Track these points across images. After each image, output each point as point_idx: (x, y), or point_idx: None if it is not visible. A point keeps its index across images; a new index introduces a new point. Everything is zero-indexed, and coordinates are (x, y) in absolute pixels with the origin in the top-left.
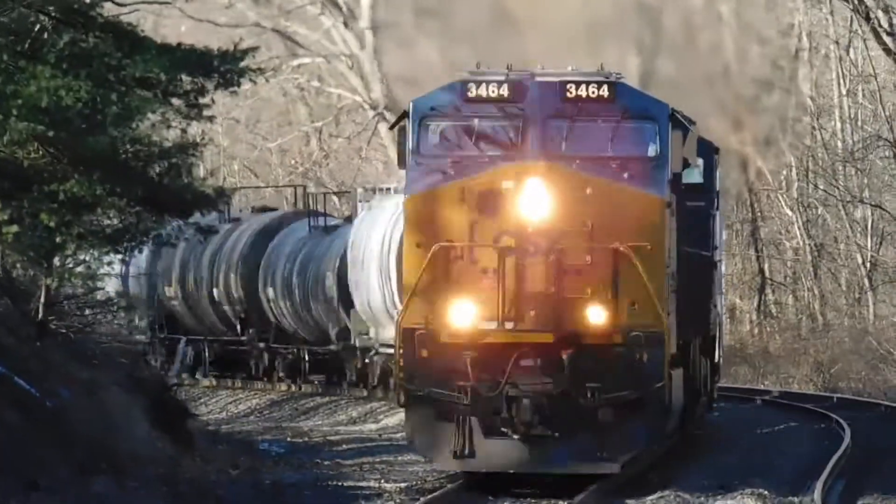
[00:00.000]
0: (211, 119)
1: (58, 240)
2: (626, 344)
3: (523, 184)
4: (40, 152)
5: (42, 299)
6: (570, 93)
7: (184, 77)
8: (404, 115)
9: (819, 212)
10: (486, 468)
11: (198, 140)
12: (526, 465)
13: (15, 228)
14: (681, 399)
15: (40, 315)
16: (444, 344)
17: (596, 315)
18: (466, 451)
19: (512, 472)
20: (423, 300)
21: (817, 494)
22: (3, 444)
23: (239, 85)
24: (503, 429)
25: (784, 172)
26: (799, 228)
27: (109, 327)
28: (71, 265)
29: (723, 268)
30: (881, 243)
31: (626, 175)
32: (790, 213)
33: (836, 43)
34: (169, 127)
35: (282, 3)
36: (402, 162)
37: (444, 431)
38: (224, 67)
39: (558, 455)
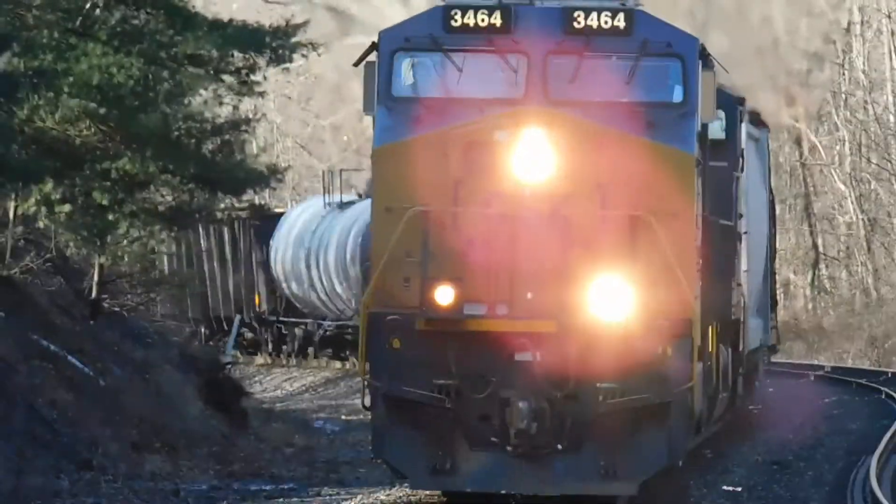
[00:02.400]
0: (262, 95)
1: (110, 218)
2: (648, 335)
3: (520, 134)
4: (92, 130)
5: (95, 278)
6: (578, 23)
7: (235, 53)
8: (373, 47)
9: (872, 186)
10: (472, 488)
11: (250, 116)
12: (521, 484)
13: (68, 207)
14: (700, 402)
15: (94, 294)
16: (422, 332)
17: (609, 298)
18: (447, 467)
19: (503, 493)
20: (396, 278)
21: (872, 468)
22: (56, 423)
23: (291, 61)
24: (493, 439)
25: (837, 147)
26: (852, 203)
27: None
28: (125, 243)
29: (763, 242)
30: None
31: (646, 124)
32: (843, 187)
33: (889, 17)
34: (221, 103)
35: None
36: (369, 106)
37: (419, 442)
38: (276, 43)
39: (561, 472)
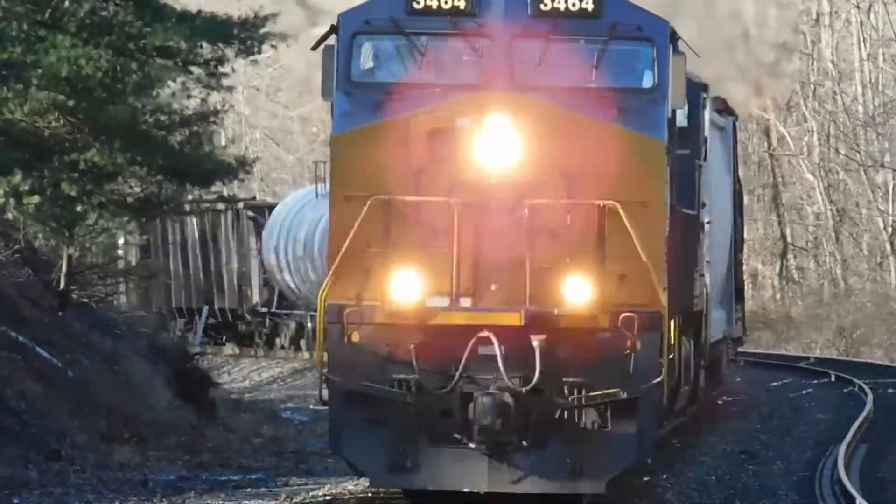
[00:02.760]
0: (231, 88)
1: (79, 209)
2: (616, 328)
3: (484, 121)
4: (61, 121)
5: (64, 269)
6: (545, 5)
7: (204, 45)
8: (332, 30)
9: (840, 176)
10: (433, 486)
11: (218, 108)
12: (484, 482)
13: (36, 199)
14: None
15: (62, 285)
16: (382, 325)
17: (576, 290)
18: (408, 464)
19: (466, 490)
20: (355, 269)
21: (840, 456)
22: (24, 414)
23: (259, 52)
24: (456, 435)
25: (805, 138)
26: (820, 193)
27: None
28: (93, 234)
29: (727, 231)
30: None
31: (615, 111)
32: (811, 178)
33: (857, 7)
34: (189, 96)
35: None
36: (327, 91)
37: (379, 438)
38: (244, 35)
39: (526, 470)
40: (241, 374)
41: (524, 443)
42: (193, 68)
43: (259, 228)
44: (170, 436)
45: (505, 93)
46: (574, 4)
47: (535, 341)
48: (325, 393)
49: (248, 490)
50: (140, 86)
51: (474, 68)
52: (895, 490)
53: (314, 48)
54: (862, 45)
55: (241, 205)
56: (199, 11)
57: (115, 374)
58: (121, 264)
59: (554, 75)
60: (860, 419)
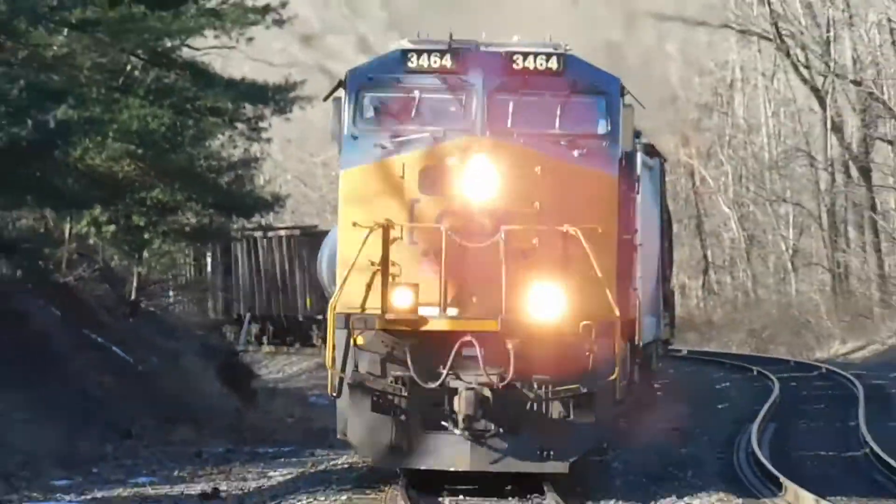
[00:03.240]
0: (268, 139)
1: (146, 236)
2: (577, 334)
3: (468, 160)
4: (132, 166)
5: (134, 284)
6: (517, 64)
7: (246, 106)
8: (340, 84)
9: (750, 209)
10: (424, 465)
11: (257, 156)
12: (467, 462)
13: (112, 228)
14: None
15: (133, 297)
16: (382, 331)
17: (544, 302)
18: (404, 447)
19: (452, 469)
20: (360, 283)
21: (753, 433)
22: (103, 402)
23: (290, 111)
24: (443, 423)
25: (722, 178)
26: (735, 222)
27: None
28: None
29: (655, 252)
30: (801, 234)
31: (576, 153)
32: (727, 210)
33: (763, 75)
34: (234, 146)
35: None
36: (336, 135)
37: (380, 425)
38: (278, 97)
39: (502, 452)
40: (276, 367)
41: (500, 430)
42: (238, 124)
43: (314, 250)
44: (219, 417)
45: (485, 137)
46: (541, 64)
47: (510, 344)
48: (334, 387)
49: (282, 460)
50: (195, 138)
51: (460, 117)
52: (797, 458)
53: (325, 99)
54: (767, 104)
55: (298, 231)
56: (243, 79)
57: (176, 369)
58: (180, 280)
59: (525, 123)
60: (769, 403)
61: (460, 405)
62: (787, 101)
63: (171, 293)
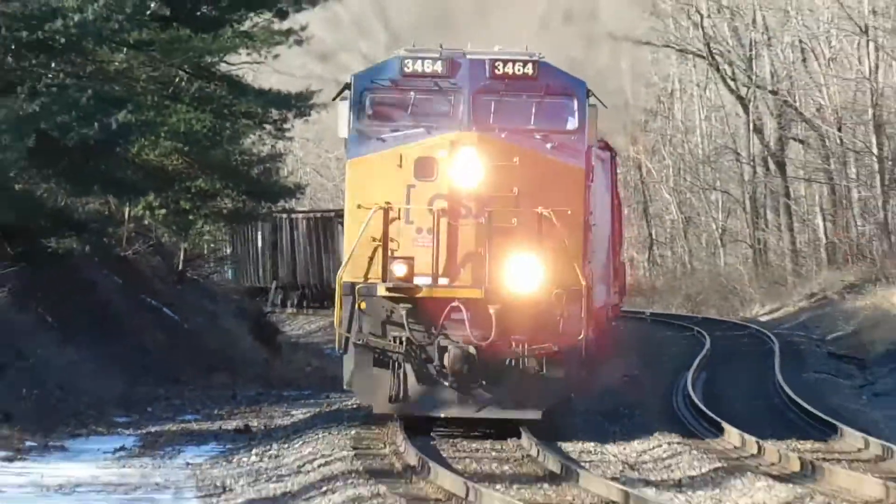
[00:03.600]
0: (290, 138)
1: (191, 218)
2: (549, 300)
3: (457, 152)
4: (179, 161)
5: (181, 257)
6: (498, 70)
7: (273, 111)
8: (346, 86)
9: (687, 196)
10: (419, 412)
11: (282, 152)
12: (455, 409)
13: (164, 211)
14: None
15: (180, 267)
16: (382, 297)
17: (522, 273)
18: (401, 396)
19: (442, 415)
20: (364, 256)
21: (689, 379)
22: (155, 354)
23: (309, 115)
24: (435, 376)
25: (664, 171)
26: (674, 207)
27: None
28: (201, 234)
29: (606, 231)
30: (728, 216)
31: (549, 146)
32: (668, 196)
33: (697, 86)
34: (263, 144)
35: (337, 62)
36: (343, 130)
37: (380, 377)
38: (299, 104)
39: (485, 401)
40: (297, 325)
41: (483, 382)
42: (266, 126)
43: (327, 229)
44: (250, 366)
45: (471, 132)
46: (519, 69)
47: (492, 309)
48: (341, 345)
49: (302, 402)
50: (231, 137)
51: (448, 115)
52: (725, 400)
53: (334, 99)
54: (700, 110)
55: (315, 214)
56: (270, 88)
57: (215, 327)
58: (220, 253)
59: (505, 120)
60: (702, 354)
61: (449, 361)
62: (717, 108)
63: (211, 264)
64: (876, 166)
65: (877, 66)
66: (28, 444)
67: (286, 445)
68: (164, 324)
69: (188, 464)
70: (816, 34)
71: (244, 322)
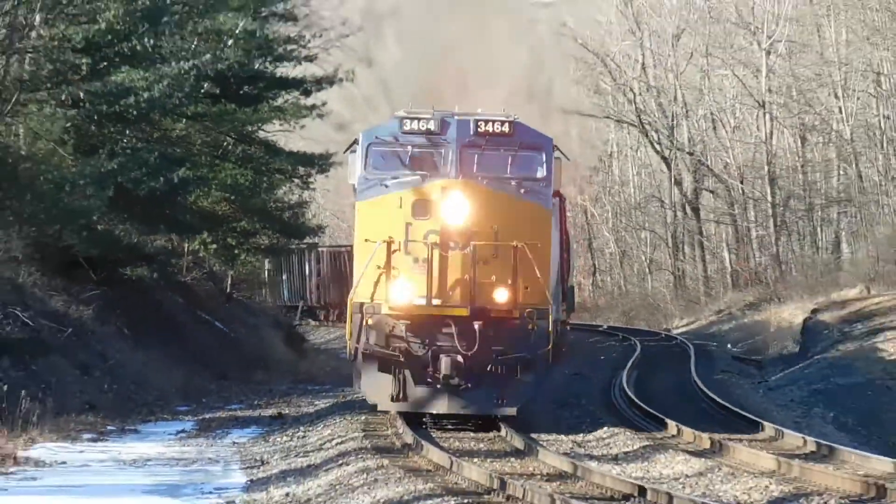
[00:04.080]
0: (314, 189)
1: (236, 251)
2: (523, 318)
3: (447, 195)
4: (227, 207)
5: (229, 282)
6: (481, 128)
7: (300, 168)
8: (355, 142)
9: (622, 234)
10: (415, 409)
11: (307, 200)
12: (446, 406)
13: (215, 246)
14: None
15: (228, 290)
16: (386, 315)
17: (500, 295)
18: (401, 396)
19: (435, 412)
20: (370, 281)
21: (624, 376)
22: (209, 357)
23: (328, 171)
24: (429, 379)
25: (605, 214)
26: (612, 242)
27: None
28: (243, 264)
29: (557, 260)
30: (654, 249)
31: (522, 191)
32: (608, 234)
33: (631, 148)
34: (293, 193)
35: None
36: (352, 177)
37: (384, 381)
38: (321, 162)
39: (470, 400)
40: (320, 335)
41: (469, 385)
42: (295, 179)
43: (342, 262)
44: (283, 366)
45: (458, 180)
46: (498, 128)
47: (476, 325)
48: (352, 354)
49: (323, 394)
50: (268, 189)
51: (439, 165)
52: (653, 393)
53: (345, 152)
54: (633, 167)
55: (331, 248)
56: (298, 151)
57: (255, 336)
58: (260, 280)
59: (486, 169)
60: (634, 357)
61: (441, 367)
62: (646, 165)
63: (254, 288)
64: (770, 211)
65: (771, 133)
66: (109, 428)
67: (311, 428)
68: (215, 333)
69: (234, 443)
70: (724, 108)
71: (278, 332)
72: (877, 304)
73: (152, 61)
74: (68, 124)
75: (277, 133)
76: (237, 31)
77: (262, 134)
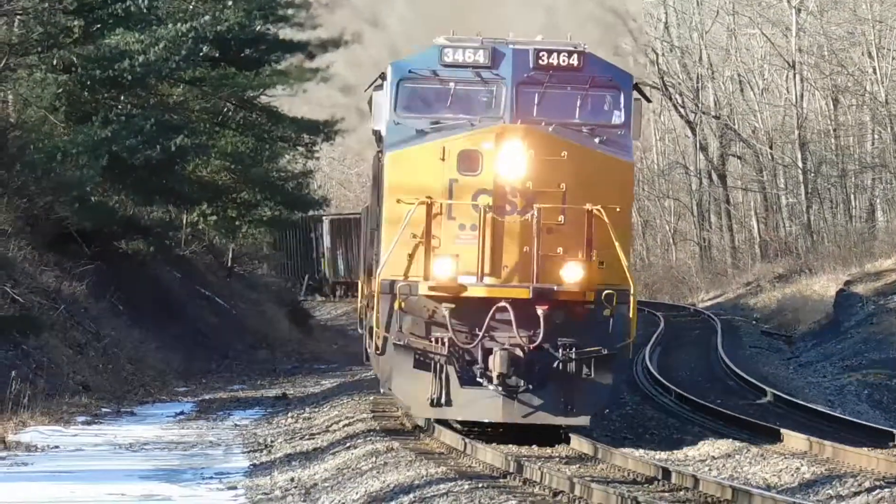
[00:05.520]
0: (318, 158)
1: (237, 223)
2: (598, 302)
3: (502, 145)
4: (227, 177)
5: (230, 255)
6: (543, 60)
7: (304, 135)
8: (381, 76)
9: (645, 203)
10: (462, 417)
11: (311, 169)
12: (500, 414)
13: (214, 218)
14: None
15: (229, 264)
16: (424, 296)
17: (570, 273)
18: (443, 400)
19: (486, 420)
20: (402, 254)
21: (647, 353)
22: (209, 334)
23: (334, 139)
24: (479, 379)
25: None
26: (635, 212)
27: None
28: (245, 237)
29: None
30: (679, 219)
31: (597, 140)
32: None
33: (654, 112)
34: (296, 162)
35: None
36: (377, 122)
37: (421, 380)
38: (326, 129)
39: (531, 407)
40: (325, 311)
41: (530, 386)
42: (298, 147)
43: (346, 232)
44: (287, 344)
45: (518, 124)
46: (564, 60)
47: (540, 310)
48: (378, 343)
49: (330, 374)
50: (270, 157)
51: (490, 106)
52: (676, 370)
53: (366, 90)
54: (656, 132)
55: (336, 217)
56: (302, 117)
57: (258, 312)
58: (260, 253)
59: (549, 112)
60: (657, 333)
61: (495, 363)
62: (670, 130)
63: (255, 262)
64: (801, 177)
65: (802, 95)
66: (103, 410)
67: (317, 409)
68: (216, 310)
69: (236, 425)
70: (752, 69)
71: (282, 308)
72: None
73: (148, 23)
74: (60, 90)
75: (280, 98)
76: None
77: (263, 99)
